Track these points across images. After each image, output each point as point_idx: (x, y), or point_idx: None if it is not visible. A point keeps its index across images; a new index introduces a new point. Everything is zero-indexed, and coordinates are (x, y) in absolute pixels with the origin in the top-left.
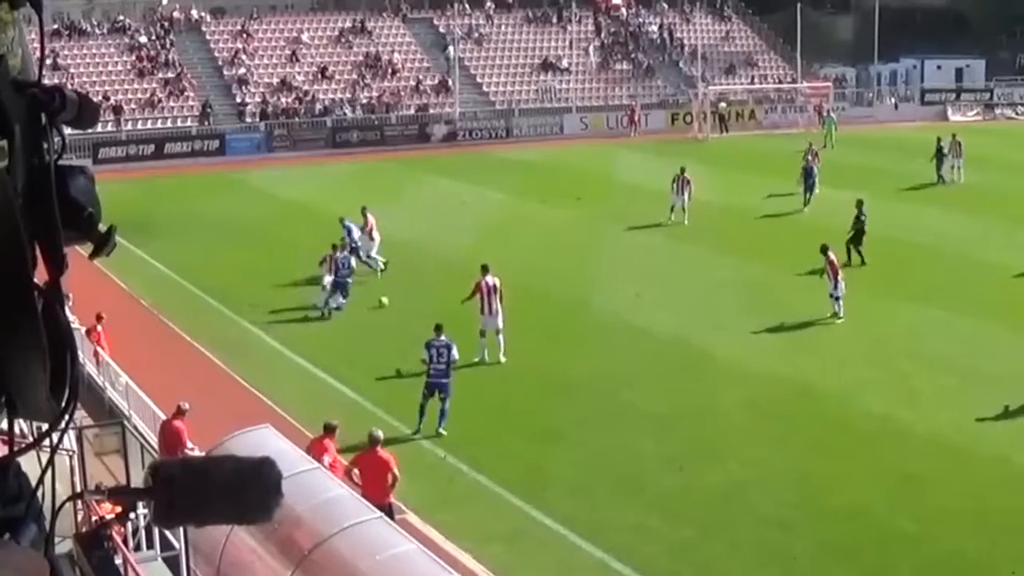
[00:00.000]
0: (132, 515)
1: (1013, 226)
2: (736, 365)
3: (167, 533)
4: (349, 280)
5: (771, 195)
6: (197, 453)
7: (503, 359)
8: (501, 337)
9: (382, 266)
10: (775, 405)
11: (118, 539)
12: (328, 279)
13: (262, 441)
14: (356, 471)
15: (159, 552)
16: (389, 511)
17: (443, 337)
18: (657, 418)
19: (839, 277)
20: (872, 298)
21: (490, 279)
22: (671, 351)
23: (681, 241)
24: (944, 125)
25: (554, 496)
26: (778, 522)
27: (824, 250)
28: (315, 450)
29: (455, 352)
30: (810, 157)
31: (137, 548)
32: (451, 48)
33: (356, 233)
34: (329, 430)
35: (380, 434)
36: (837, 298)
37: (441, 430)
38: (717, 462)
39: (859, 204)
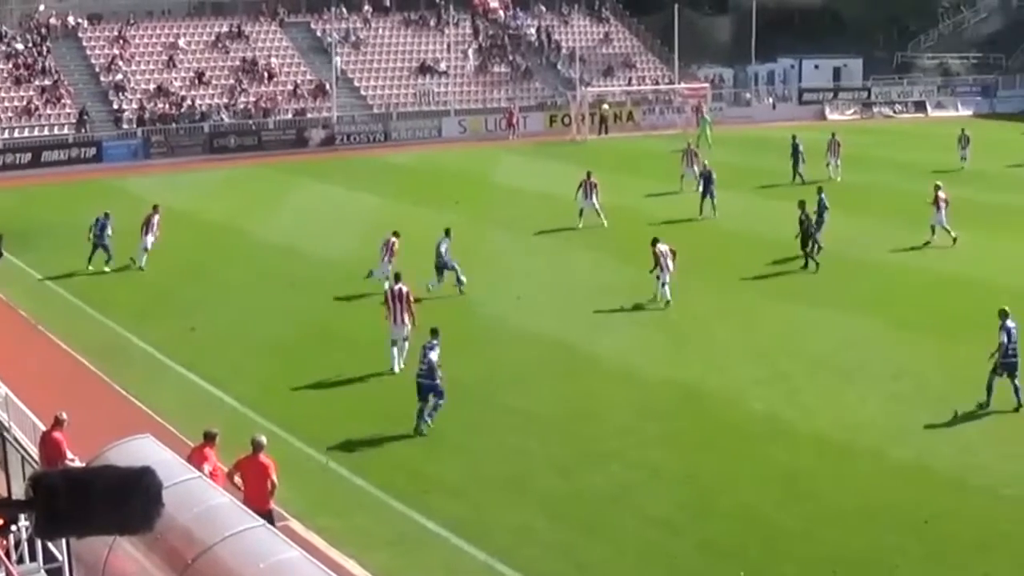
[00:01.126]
0: (14, 527)
1: (890, 224)
2: (621, 367)
3: (50, 545)
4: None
5: (650, 195)
6: (78, 464)
7: (402, 366)
8: (407, 345)
9: (142, 264)
10: (660, 406)
11: (0, 552)
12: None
13: (143, 451)
14: (238, 476)
15: (42, 564)
16: (270, 517)
17: (434, 340)
18: (542, 420)
19: (667, 267)
20: (755, 299)
21: (400, 287)
22: (555, 354)
23: (564, 244)
24: (822, 124)
25: (438, 500)
26: (663, 522)
27: (654, 242)
28: (196, 459)
29: (432, 355)
30: (696, 162)
31: (20, 561)
32: (337, 58)
33: (109, 228)
34: (209, 438)
35: (263, 439)
36: (663, 284)
37: (428, 421)
38: (602, 464)
39: (801, 205)
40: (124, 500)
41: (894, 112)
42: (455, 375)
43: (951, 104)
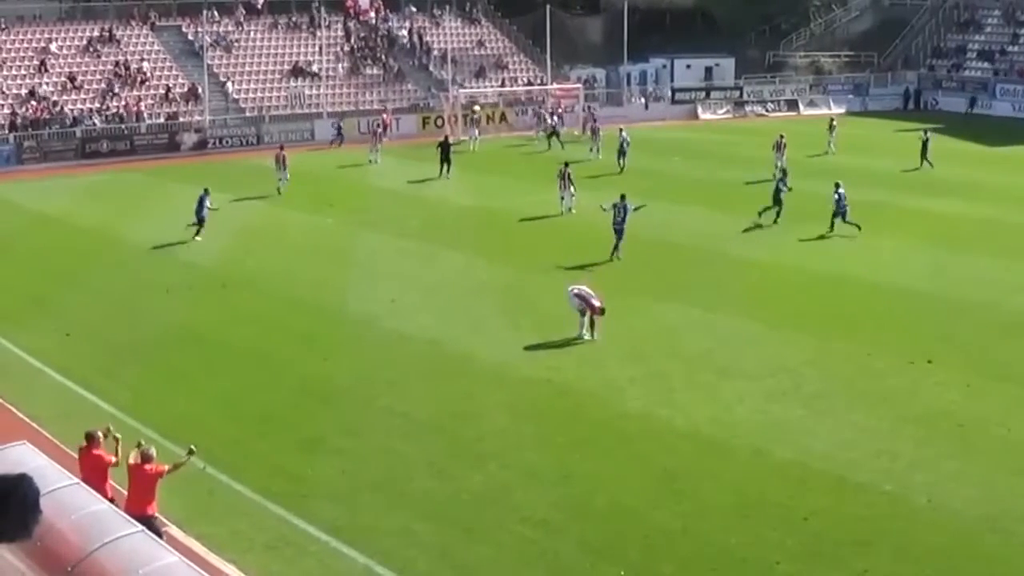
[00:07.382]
0: None
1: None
2: (495, 367)
3: None
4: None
5: (521, 195)
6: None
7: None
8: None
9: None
10: (535, 406)
11: None
12: None
13: (20, 458)
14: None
15: None
16: (151, 523)
17: (626, 201)
18: (418, 422)
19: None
20: (629, 298)
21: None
22: (430, 355)
23: (436, 245)
24: (695, 124)
25: (316, 504)
26: (542, 523)
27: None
28: (87, 460)
29: (631, 209)
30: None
31: None
32: (209, 62)
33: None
34: (93, 439)
35: (152, 451)
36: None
37: (619, 255)
38: (479, 464)
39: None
40: (2, 509)
41: (766, 111)
42: (332, 378)
43: (823, 102)
